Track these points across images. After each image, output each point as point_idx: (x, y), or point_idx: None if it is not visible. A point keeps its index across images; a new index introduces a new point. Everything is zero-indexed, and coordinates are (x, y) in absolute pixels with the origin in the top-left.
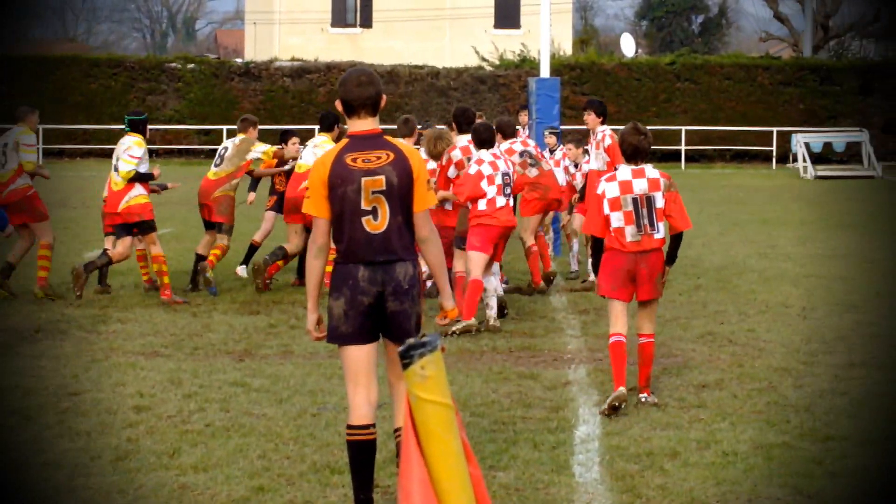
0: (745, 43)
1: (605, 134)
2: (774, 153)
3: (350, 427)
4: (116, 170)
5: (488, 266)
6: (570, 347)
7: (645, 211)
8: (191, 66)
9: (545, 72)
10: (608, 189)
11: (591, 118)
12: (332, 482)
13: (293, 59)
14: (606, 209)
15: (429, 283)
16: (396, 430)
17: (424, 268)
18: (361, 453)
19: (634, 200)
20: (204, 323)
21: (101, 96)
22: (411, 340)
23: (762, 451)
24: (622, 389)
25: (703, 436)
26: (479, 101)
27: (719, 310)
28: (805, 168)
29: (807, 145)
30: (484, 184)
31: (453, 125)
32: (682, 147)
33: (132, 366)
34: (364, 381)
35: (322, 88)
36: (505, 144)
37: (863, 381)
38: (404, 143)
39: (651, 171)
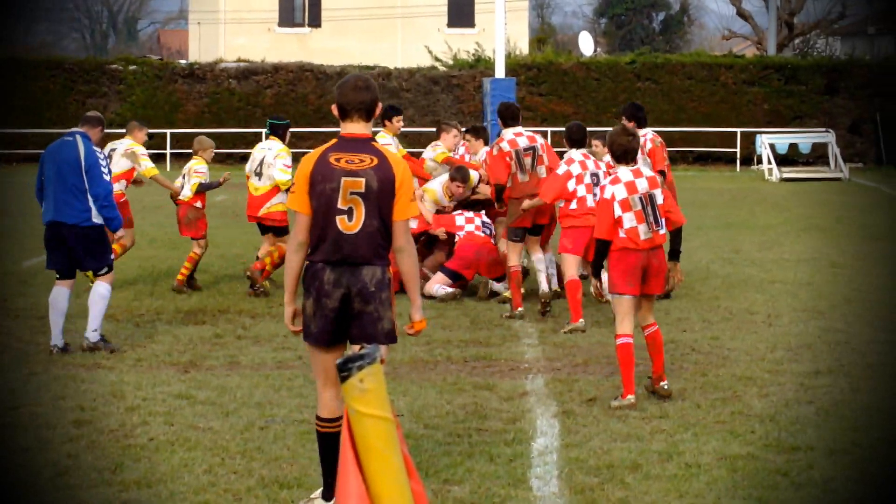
0: (708, 41)
1: (646, 139)
2: (738, 155)
3: (319, 419)
4: (258, 175)
5: (536, 250)
6: (528, 356)
7: (650, 209)
8: (133, 67)
9: (500, 72)
10: (616, 191)
11: (625, 122)
12: (281, 498)
13: (239, 60)
14: (618, 211)
15: (438, 291)
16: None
17: (440, 288)
18: (330, 444)
19: (641, 200)
20: (147, 333)
21: (40, 99)
22: (348, 353)
23: (726, 463)
24: (631, 398)
25: (666, 447)
26: (432, 103)
27: (682, 317)
28: (770, 170)
29: (772, 146)
30: (572, 183)
31: (498, 121)
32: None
33: (72, 378)
34: (333, 381)
35: (269, 90)
36: (508, 133)
37: (829, 389)
38: (391, 152)
39: (646, 169)
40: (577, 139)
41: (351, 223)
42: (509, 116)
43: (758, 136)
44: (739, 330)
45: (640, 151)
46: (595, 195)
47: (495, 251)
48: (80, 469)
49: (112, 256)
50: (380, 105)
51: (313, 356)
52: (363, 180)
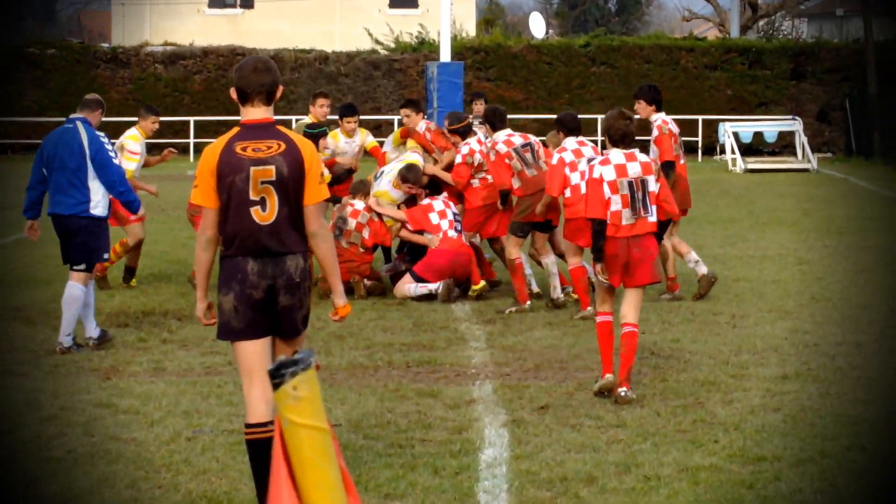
0: (667, 22)
1: (655, 124)
2: (700, 144)
3: (248, 426)
4: None
5: (547, 251)
6: (475, 361)
7: (640, 194)
8: (51, 51)
9: (446, 55)
10: (605, 172)
11: (641, 107)
12: None
13: (166, 44)
14: (607, 192)
15: (415, 291)
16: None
17: (416, 288)
18: (262, 452)
19: (630, 184)
20: None
21: None
22: (282, 358)
23: (687, 475)
24: (609, 377)
25: (623, 458)
26: (373, 89)
27: (640, 318)
28: (734, 160)
29: (735, 135)
30: (566, 171)
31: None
32: (599, 137)
33: None
34: (260, 377)
35: (198, 76)
36: (501, 135)
37: (797, 395)
38: (297, 134)
39: (641, 154)
40: (573, 127)
41: (265, 213)
42: (498, 119)
43: (720, 123)
44: (702, 332)
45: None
46: None
47: (471, 254)
48: None
49: (106, 256)
50: (281, 88)
51: (237, 353)
52: (273, 168)
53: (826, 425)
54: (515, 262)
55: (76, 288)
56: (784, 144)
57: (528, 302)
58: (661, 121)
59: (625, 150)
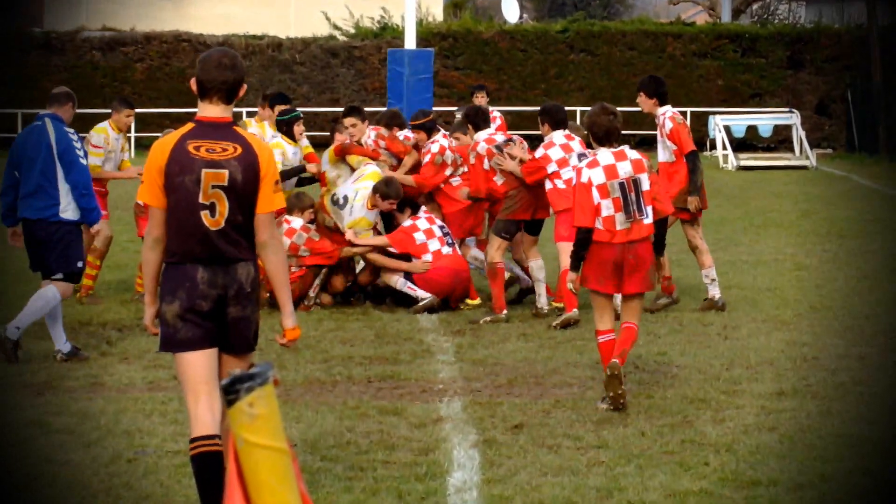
0: (653, 6)
1: (665, 117)
2: None
3: (193, 440)
4: None
5: (535, 255)
6: (442, 376)
7: (633, 196)
8: None
9: (411, 42)
10: (594, 176)
11: (642, 101)
12: None
13: (104, 29)
14: (596, 197)
15: (416, 293)
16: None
17: (420, 294)
18: (208, 467)
19: (622, 185)
20: None
21: None
22: (237, 372)
23: (675, 500)
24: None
25: (605, 482)
26: (331, 78)
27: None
28: (725, 157)
29: (727, 129)
30: (552, 167)
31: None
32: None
33: None
34: (206, 391)
35: (139, 64)
36: (483, 135)
37: (795, 413)
38: (255, 137)
39: (631, 151)
40: (560, 119)
41: (214, 219)
42: (481, 119)
43: (710, 116)
44: (690, 344)
45: (659, 133)
46: None
47: (468, 270)
48: None
49: (81, 264)
50: (244, 87)
51: (181, 366)
52: (226, 172)
53: (826, 446)
54: (496, 266)
55: (52, 290)
56: (780, 139)
57: (505, 311)
58: (673, 112)
59: (613, 149)
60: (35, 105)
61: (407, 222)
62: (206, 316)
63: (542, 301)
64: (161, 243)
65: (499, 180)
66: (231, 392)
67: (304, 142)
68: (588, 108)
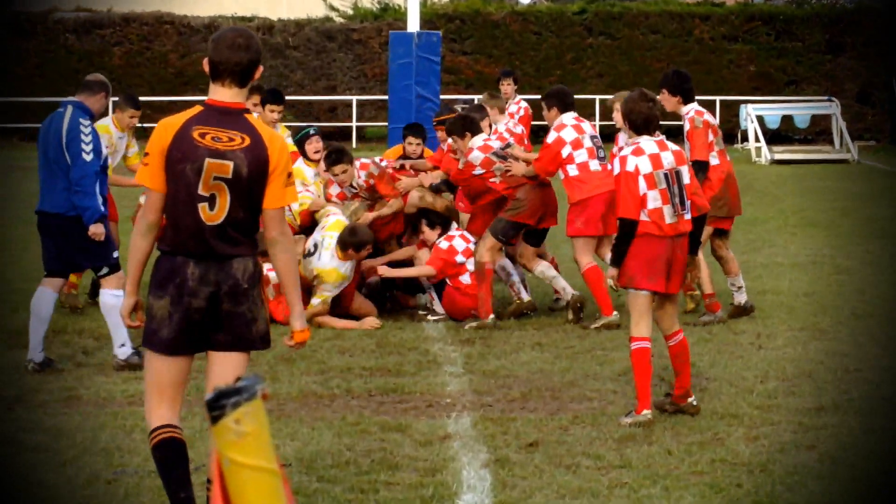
0: None
1: (687, 117)
2: None
3: (151, 432)
4: None
5: (536, 262)
6: (450, 389)
7: (676, 188)
8: None
9: (414, 24)
10: (641, 164)
11: (664, 98)
12: None
13: (79, 10)
14: (643, 187)
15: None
16: (210, 483)
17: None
18: (169, 452)
19: (666, 176)
20: None
21: None
22: (221, 386)
23: None
24: (647, 413)
25: None
26: (327, 64)
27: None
28: (758, 149)
29: (760, 120)
30: (567, 150)
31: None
32: (597, 122)
33: None
34: (170, 397)
35: (118, 48)
36: (477, 141)
37: (835, 430)
38: (267, 127)
39: (670, 143)
40: (569, 102)
41: (213, 213)
42: (468, 128)
43: (742, 106)
44: (721, 354)
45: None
46: (600, 159)
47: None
48: None
49: (115, 255)
50: (260, 69)
51: (151, 365)
52: (231, 164)
53: (869, 467)
54: (486, 266)
55: (109, 295)
56: (818, 130)
57: (492, 316)
58: (695, 111)
59: (655, 138)
60: (6, 92)
61: (443, 243)
62: (196, 315)
63: (569, 291)
64: (154, 230)
65: (496, 179)
66: (216, 408)
67: (289, 139)
68: (608, 97)
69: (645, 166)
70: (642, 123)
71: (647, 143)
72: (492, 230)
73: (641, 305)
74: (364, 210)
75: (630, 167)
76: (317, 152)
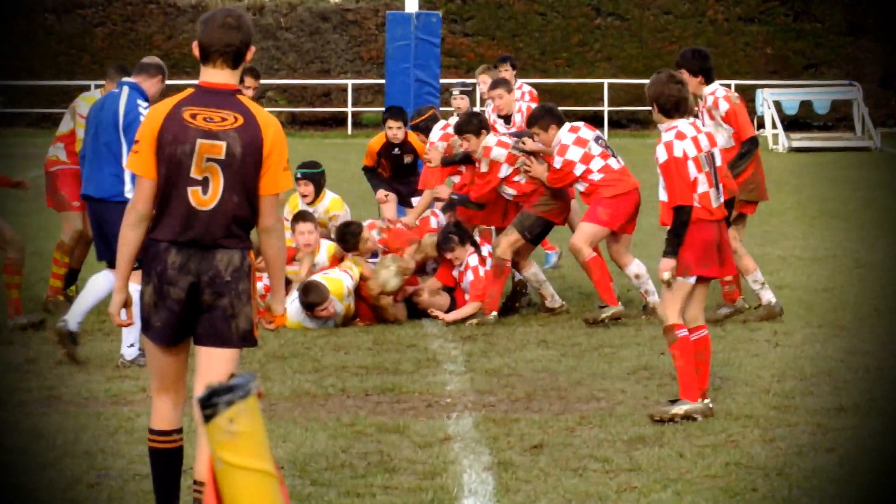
0: None
1: (717, 97)
2: None
3: (152, 432)
4: None
5: (529, 264)
6: (451, 389)
7: (712, 171)
8: None
9: (412, 4)
10: (687, 148)
11: (686, 77)
12: None
13: None
14: (694, 171)
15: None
16: (197, 485)
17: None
18: (165, 463)
19: (706, 159)
20: None
21: None
22: (214, 384)
23: None
24: (708, 402)
25: None
26: (320, 46)
27: (657, 335)
28: (775, 136)
29: (777, 105)
30: (580, 170)
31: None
32: (605, 108)
33: None
34: (172, 385)
35: (100, 29)
36: (492, 139)
37: (855, 432)
38: (262, 109)
39: (700, 124)
40: (559, 114)
41: (205, 197)
42: (475, 128)
43: (758, 90)
44: (736, 352)
45: (705, 116)
46: (614, 155)
47: None
48: None
49: None
50: (252, 49)
51: (150, 354)
52: (223, 144)
53: (892, 470)
54: (504, 262)
55: (134, 290)
56: (838, 117)
57: (495, 313)
58: (726, 92)
59: (689, 120)
60: None
61: (481, 271)
62: (176, 306)
63: (556, 299)
64: (146, 221)
65: (521, 179)
66: (208, 406)
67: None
68: (616, 81)
69: (691, 150)
70: (673, 106)
71: (685, 125)
72: (518, 226)
73: (681, 294)
74: (398, 262)
75: (678, 152)
76: (305, 196)
